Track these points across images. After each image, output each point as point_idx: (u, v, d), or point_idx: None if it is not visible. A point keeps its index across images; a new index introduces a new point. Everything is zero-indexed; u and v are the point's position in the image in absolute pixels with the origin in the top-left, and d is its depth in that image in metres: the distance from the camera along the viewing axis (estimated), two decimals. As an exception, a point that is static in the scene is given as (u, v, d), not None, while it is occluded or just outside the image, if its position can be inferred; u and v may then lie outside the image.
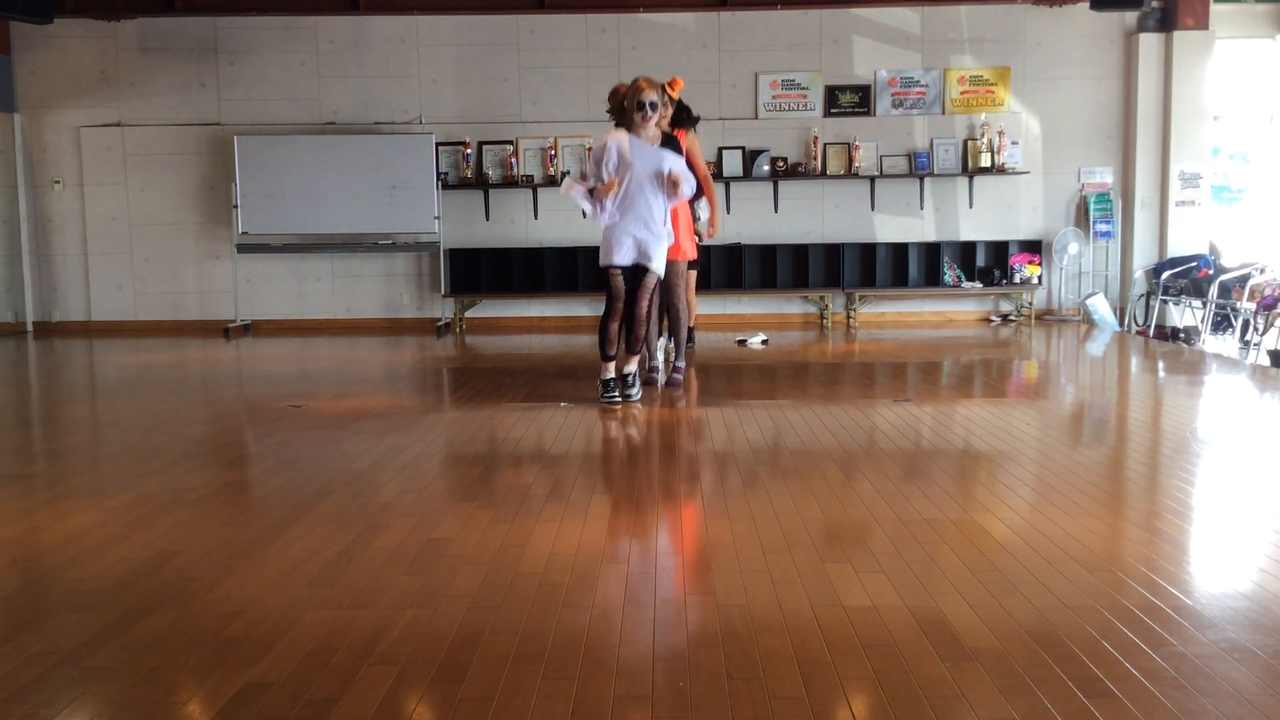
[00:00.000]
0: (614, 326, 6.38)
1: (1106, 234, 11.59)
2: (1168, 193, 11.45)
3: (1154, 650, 2.67)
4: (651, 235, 6.27)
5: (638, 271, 6.34)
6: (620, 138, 6.23)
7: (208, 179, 11.73)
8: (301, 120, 11.63)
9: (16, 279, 11.80)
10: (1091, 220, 11.57)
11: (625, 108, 6.30)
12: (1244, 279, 10.39)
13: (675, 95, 6.76)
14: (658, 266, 6.34)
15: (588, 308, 11.73)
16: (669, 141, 6.42)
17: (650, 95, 6.18)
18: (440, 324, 11.38)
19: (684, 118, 7.15)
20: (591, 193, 6.25)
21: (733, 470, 4.84)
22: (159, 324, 11.82)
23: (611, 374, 6.44)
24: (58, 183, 11.79)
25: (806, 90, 11.60)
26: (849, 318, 11.58)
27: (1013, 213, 11.76)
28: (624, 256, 6.28)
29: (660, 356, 7.33)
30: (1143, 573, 3.25)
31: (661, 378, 7.08)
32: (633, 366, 6.48)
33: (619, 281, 6.35)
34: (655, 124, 6.30)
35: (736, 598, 3.09)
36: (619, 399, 6.40)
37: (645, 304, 6.38)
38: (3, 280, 11.78)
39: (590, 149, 11.40)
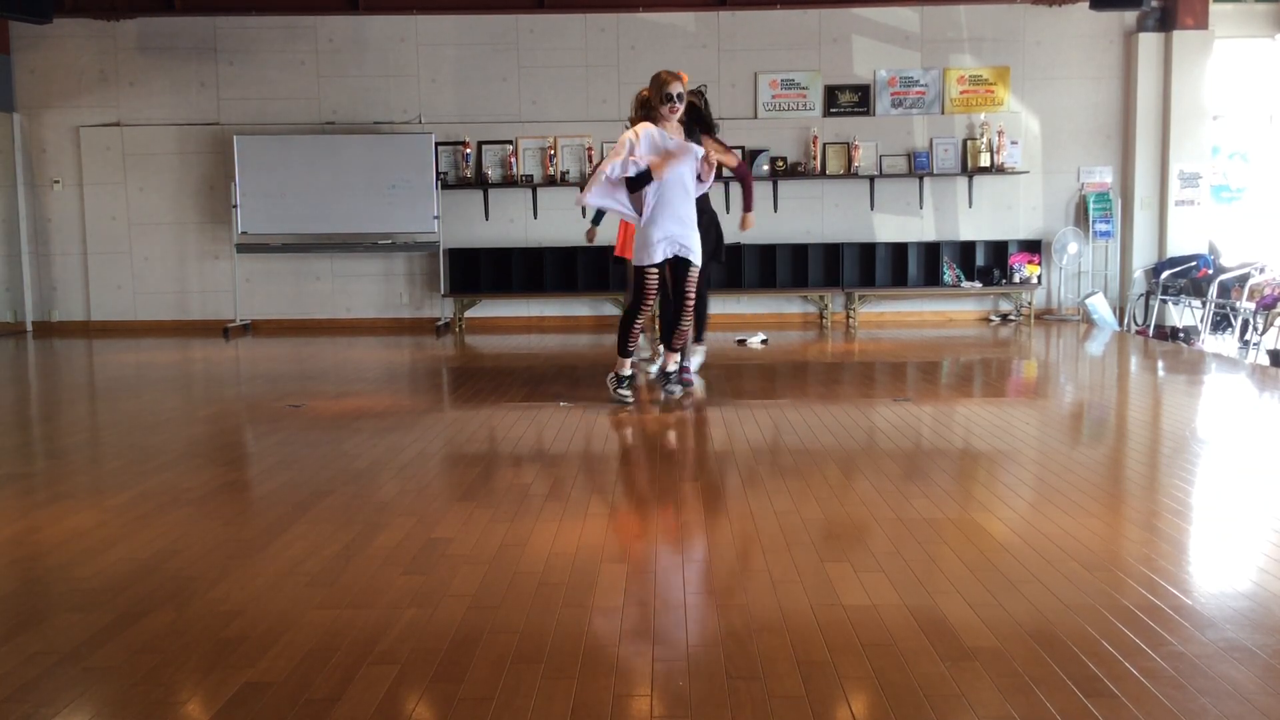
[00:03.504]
0: (639, 325, 6.41)
1: (1106, 233, 11.59)
2: (1167, 192, 11.45)
3: (1153, 650, 2.67)
4: (687, 230, 6.30)
5: (678, 265, 6.36)
6: (650, 129, 6.18)
7: (207, 179, 11.72)
8: (301, 120, 11.63)
9: (16, 279, 11.80)
10: (1091, 220, 11.57)
11: (648, 102, 6.25)
12: (1243, 278, 10.39)
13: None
14: (697, 259, 6.38)
15: (587, 307, 11.73)
16: (690, 136, 6.38)
17: (676, 86, 6.15)
18: (440, 324, 11.38)
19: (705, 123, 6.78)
20: (630, 184, 6.16)
21: (733, 470, 4.84)
22: (158, 324, 11.82)
23: (628, 371, 6.47)
24: (57, 182, 11.78)
25: (806, 90, 11.60)
26: (848, 317, 11.57)
27: (1012, 212, 11.76)
28: (661, 254, 6.28)
29: (698, 358, 7.44)
30: (1142, 572, 3.26)
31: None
32: (674, 364, 6.53)
33: (654, 281, 6.33)
34: (679, 118, 6.26)
35: (736, 598, 3.09)
36: (631, 400, 6.42)
37: (693, 298, 6.42)
38: (2, 280, 11.78)
39: (590, 148, 11.43)
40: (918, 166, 11.57)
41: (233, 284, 11.64)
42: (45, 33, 11.35)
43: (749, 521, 3.91)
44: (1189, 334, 10.76)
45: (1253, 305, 10.11)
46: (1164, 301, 11.22)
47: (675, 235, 6.27)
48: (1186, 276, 11.03)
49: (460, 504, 4.21)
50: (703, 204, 7.13)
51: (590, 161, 11.52)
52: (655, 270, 6.31)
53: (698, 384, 7.11)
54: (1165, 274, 11.15)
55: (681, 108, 6.20)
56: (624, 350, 6.45)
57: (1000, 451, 5.10)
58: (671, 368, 6.61)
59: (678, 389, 6.54)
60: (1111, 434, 5.80)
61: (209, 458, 5.32)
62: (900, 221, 11.73)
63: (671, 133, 6.24)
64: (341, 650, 2.73)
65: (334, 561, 3.46)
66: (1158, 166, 11.49)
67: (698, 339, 7.42)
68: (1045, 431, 5.72)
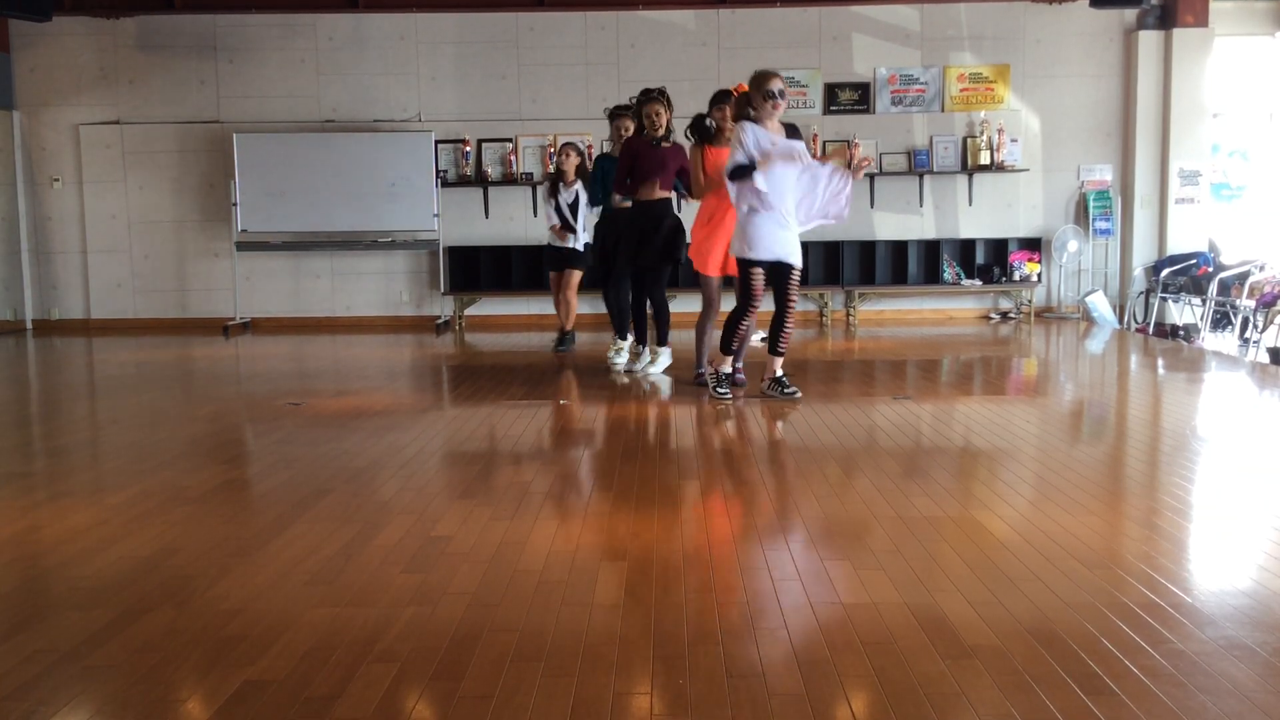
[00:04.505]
0: (746, 324, 6.37)
1: (1106, 231, 11.59)
2: (1167, 190, 11.45)
3: (1153, 648, 2.67)
4: (789, 233, 6.16)
5: (778, 270, 6.22)
6: (753, 126, 6.01)
7: (207, 177, 11.72)
8: (301, 118, 11.62)
9: (16, 277, 11.79)
10: (1091, 218, 11.56)
11: (747, 99, 6.10)
12: (1243, 276, 10.39)
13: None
14: (797, 261, 6.27)
15: (587, 305, 11.70)
16: (792, 131, 6.26)
17: (777, 83, 6.03)
18: (439, 322, 11.38)
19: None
20: (744, 172, 5.98)
21: (733, 469, 4.84)
22: (158, 322, 11.82)
23: (728, 369, 6.46)
24: (57, 180, 11.78)
25: (806, 88, 11.59)
26: (848, 315, 11.57)
27: (1012, 210, 11.75)
28: (764, 252, 6.14)
29: (663, 360, 7.51)
30: (1142, 570, 3.25)
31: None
32: (730, 366, 6.52)
33: (760, 280, 6.21)
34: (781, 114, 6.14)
35: (737, 596, 3.09)
36: (729, 398, 6.35)
37: (795, 301, 6.40)
38: (2, 278, 11.77)
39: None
40: (918, 164, 11.56)
41: (233, 282, 11.63)
42: (45, 31, 11.34)
43: (749, 519, 3.90)
44: (1189, 332, 10.76)
45: (1253, 303, 10.11)
46: (1164, 299, 11.22)
47: (780, 238, 6.13)
48: (1186, 274, 11.03)
49: (460, 502, 4.21)
50: (664, 209, 7.16)
51: (590, 161, 11.51)
52: (760, 269, 6.18)
53: (665, 383, 7.14)
54: (1165, 272, 11.15)
55: (784, 104, 6.07)
56: (727, 348, 6.41)
57: (1000, 449, 5.10)
58: (727, 369, 6.48)
59: (780, 385, 6.41)
60: (1111, 432, 5.80)
61: (209, 456, 5.32)
62: (900, 219, 11.73)
63: (773, 131, 6.09)
64: (341, 648, 2.73)
65: (334, 560, 3.46)
66: (1158, 164, 11.48)
67: (662, 342, 7.44)
68: (1045, 429, 5.72)
